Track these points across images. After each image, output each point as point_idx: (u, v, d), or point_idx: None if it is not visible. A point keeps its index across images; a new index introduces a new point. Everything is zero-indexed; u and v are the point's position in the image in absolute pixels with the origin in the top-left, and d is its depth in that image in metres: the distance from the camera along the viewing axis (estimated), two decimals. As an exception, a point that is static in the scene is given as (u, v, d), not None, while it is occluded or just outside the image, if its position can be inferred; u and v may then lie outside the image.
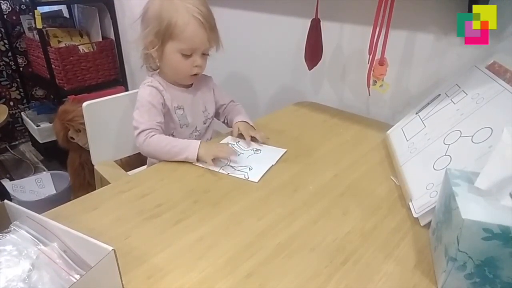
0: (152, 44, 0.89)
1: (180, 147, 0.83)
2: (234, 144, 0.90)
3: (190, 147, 0.82)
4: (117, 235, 0.60)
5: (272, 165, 0.81)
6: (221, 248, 0.57)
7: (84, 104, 1.06)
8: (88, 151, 1.14)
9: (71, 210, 0.66)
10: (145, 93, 0.90)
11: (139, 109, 0.89)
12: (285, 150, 0.87)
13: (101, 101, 1.08)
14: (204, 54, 0.91)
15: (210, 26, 0.87)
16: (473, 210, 0.46)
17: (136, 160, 1.18)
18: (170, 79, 0.94)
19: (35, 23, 1.72)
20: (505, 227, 0.43)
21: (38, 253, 0.47)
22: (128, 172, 1.06)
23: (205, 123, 1.01)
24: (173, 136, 0.94)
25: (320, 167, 0.81)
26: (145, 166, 1.09)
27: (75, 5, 2.10)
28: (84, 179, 1.67)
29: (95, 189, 0.75)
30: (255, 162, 0.82)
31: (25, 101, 2.37)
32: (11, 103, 2.31)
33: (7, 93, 2.28)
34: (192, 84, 0.97)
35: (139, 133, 0.87)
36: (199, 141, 0.84)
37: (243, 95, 1.50)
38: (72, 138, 1.61)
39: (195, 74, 0.92)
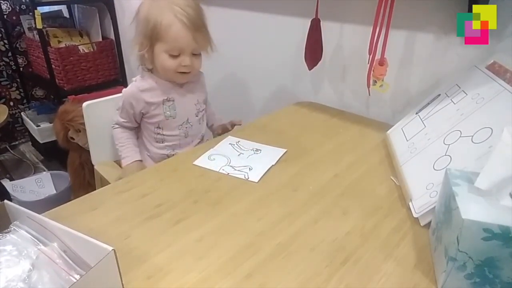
0: (142, 45, 0.92)
1: (121, 154, 0.99)
2: (234, 144, 0.90)
3: (123, 161, 0.98)
4: (117, 235, 0.60)
5: (272, 165, 0.81)
6: (221, 248, 0.57)
7: (84, 104, 1.06)
8: (88, 151, 1.14)
9: (71, 210, 0.66)
10: (127, 92, 0.97)
11: (121, 103, 0.98)
12: (285, 150, 0.87)
13: (101, 101, 1.09)
14: (195, 55, 0.92)
15: (195, 27, 0.88)
16: (473, 210, 0.46)
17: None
18: (162, 77, 0.96)
19: (35, 23, 1.72)
20: (505, 227, 0.43)
21: (38, 253, 0.47)
22: (128, 172, 1.06)
23: (197, 116, 1.02)
24: (159, 128, 0.98)
25: (320, 167, 0.81)
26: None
27: (75, 5, 2.10)
28: (84, 179, 1.67)
29: (95, 189, 0.75)
30: (255, 162, 0.82)
31: (25, 101, 2.37)
32: (11, 103, 2.31)
33: (7, 93, 2.28)
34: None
35: (114, 123, 1.02)
36: (131, 160, 0.97)
37: (243, 95, 1.50)
38: (72, 138, 1.61)
39: (184, 73, 0.94)
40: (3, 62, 2.21)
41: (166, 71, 0.93)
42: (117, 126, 1.01)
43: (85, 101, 1.07)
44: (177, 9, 0.86)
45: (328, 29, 1.08)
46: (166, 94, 0.96)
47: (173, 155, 1.00)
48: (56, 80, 1.88)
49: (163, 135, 0.99)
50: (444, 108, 0.78)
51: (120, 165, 1.08)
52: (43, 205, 0.73)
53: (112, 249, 0.42)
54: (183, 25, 0.87)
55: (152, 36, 0.89)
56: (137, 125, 1.01)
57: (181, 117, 0.99)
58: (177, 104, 0.97)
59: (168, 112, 0.97)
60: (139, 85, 0.96)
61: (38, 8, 1.70)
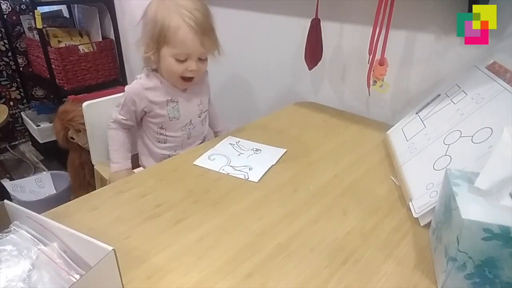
0: (149, 47, 0.91)
1: (112, 158, 0.99)
2: (234, 144, 0.90)
3: (112, 166, 0.99)
4: (117, 235, 0.60)
5: (272, 165, 0.81)
6: (221, 248, 0.57)
7: (84, 104, 1.06)
8: (88, 151, 1.15)
9: (71, 210, 0.66)
10: (130, 89, 0.96)
11: (122, 99, 0.97)
12: (285, 150, 0.87)
13: (101, 101, 1.09)
14: (201, 60, 0.92)
15: (203, 31, 0.87)
16: (473, 210, 0.46)
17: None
18: (165, 78, 0.95)
19: (35, 23, 1.71)
20: (505, 227, 0.43)
21: (38, 253, 0.47)
22: (128, 172, 1.06)
23: (200, 117, 1.02)
24: (162, 128, 0.98)
25: (320, 167, 0.81)
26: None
27: (75, 5, 2.10)
28: (84, 179, 1.67)
29: (95, 189, 0.75)
30: (255, 162, 0.82)
31: (25, 101, 2.37)
32: (11, 103, 2.31)
33: (7, 93, 2.28)
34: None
35: (113, 118, 0.99)
36: (121, 168, 0.98)
37: (243, 95, 1.50)
38: (72, 138, 1.61)
39: (188, 79, 0.93)
40: (3, 62, 2.21)
41: (171, 75, 0.93)
42: (114, 126, 0.99)
43: (85, 101, 1.07)
44: (185, 13, 0.85)
45: (328, 29, 1.08)
46: (170, 95, 0.96)
47: (174, 155, 1.00)
48: (56, 80, 1.88)
49: (166, 135, 0.99)
50: (444, 108, 0.78)
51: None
52: (43, 205, 0.73)
53: (112, 249, 0.42)
54: (191, 30, 0.85)
55: (159, 39, 0.88)
56: (135, 124, 1.01)
57: (184, 119, 0.99)
58: (180, 105, 0.97)
59: (171, 113, 0.96)
60: (143, 83, 0.95)
61: (38, 8, 1.70)
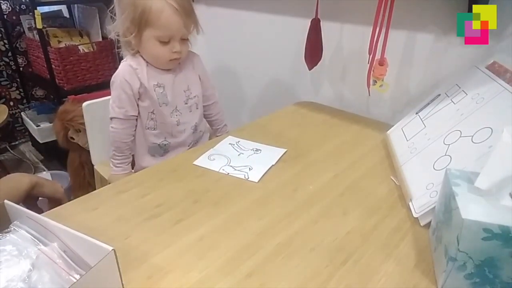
0: (129, 31, 0.89)
1: (113, 160, 0.99)
2: (234, 144, 0.90)
3: (113, 169, 1.00)
4: (117, 235, 0.60)
5: (272, 165, 0.81)
6: (221, 248, 0.57)
7: (84, 104, 1.06)
8: (88, 151, 1.15)
9: (71, 210, 0.66)
10: (120, 72, 0.93)
11: (113, 92, 0.94)
12: (285, 150, 0.87)
13: (101, 101, 1.09)
14: (184, 39, 0.92)
15: (185, 12, 0.87)
16: (473, 210, 0.46)
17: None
18: (150, 62, 0.95)
19: (35, 23, 1.71)
20: (505, 227, 0.43)
21: (38, 253, 0.47)
22: (128, 172, 1.06)
23: (186, 103, 1.01)
24: (153, 113, 0.96)
25: (320, 167, 0.81)
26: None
27: (75, 5, 2.10)
28: (84, 179, 1.68)
29: (95, 189, 0.75)
30: (255, 162, 0.82)
31: (25, 101, 2.37)
32: (11, 103, 2.31)
33: (7, 93, 2.28)
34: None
35: (110, 118, 0.96)
36: (121, 172, 0.99)
37: (243, 95, 1.50)
38: (72, 138, 1.61)
39: (175, 59, 0.93)
40: (3, 62, 2.21)
41: (158, 59, 0.92)
42: (115, 126, 0.96)
43: (85, 101, 1.07)
44: None
45: (328, 29, 1.08)
46: (156, 79, 0.95)
47: (165, 144, 1.00)
48: (56, 80, 1.88)
49: (156, 121, 0.98)
50: (444, 108, 0.78)
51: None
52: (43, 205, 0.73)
53: (112, 249, 0.42)
54: (174, 12, 0.85)
55: (140, 22, 0.87)
56: (137, 112, 0.97)
57: (171, 104, 0.98)
58: (167, 90, 0.96)
59: (161, 99, 0.95)
60: (131, 63, 0.93)
61: (38, 8, 1.69)
